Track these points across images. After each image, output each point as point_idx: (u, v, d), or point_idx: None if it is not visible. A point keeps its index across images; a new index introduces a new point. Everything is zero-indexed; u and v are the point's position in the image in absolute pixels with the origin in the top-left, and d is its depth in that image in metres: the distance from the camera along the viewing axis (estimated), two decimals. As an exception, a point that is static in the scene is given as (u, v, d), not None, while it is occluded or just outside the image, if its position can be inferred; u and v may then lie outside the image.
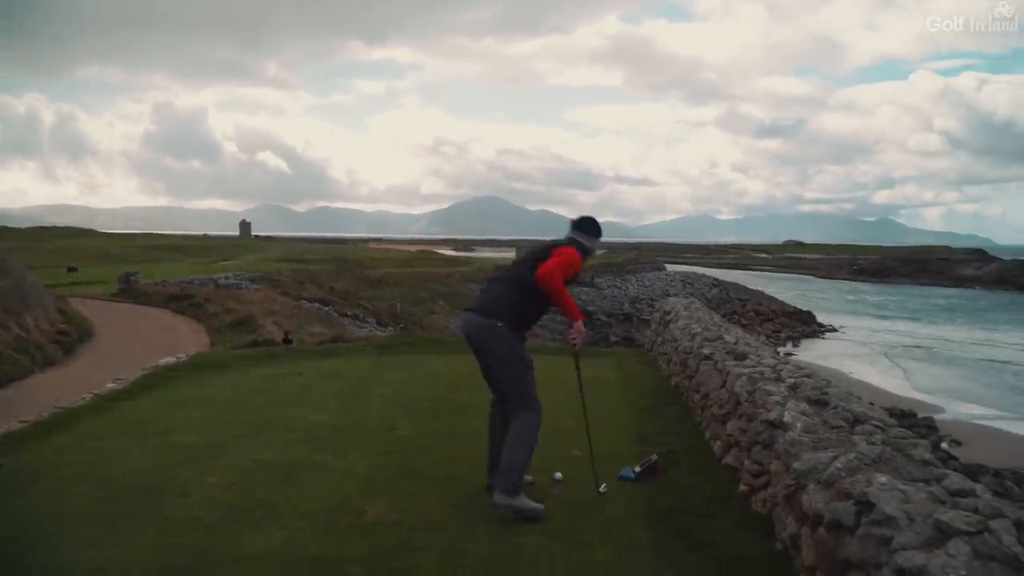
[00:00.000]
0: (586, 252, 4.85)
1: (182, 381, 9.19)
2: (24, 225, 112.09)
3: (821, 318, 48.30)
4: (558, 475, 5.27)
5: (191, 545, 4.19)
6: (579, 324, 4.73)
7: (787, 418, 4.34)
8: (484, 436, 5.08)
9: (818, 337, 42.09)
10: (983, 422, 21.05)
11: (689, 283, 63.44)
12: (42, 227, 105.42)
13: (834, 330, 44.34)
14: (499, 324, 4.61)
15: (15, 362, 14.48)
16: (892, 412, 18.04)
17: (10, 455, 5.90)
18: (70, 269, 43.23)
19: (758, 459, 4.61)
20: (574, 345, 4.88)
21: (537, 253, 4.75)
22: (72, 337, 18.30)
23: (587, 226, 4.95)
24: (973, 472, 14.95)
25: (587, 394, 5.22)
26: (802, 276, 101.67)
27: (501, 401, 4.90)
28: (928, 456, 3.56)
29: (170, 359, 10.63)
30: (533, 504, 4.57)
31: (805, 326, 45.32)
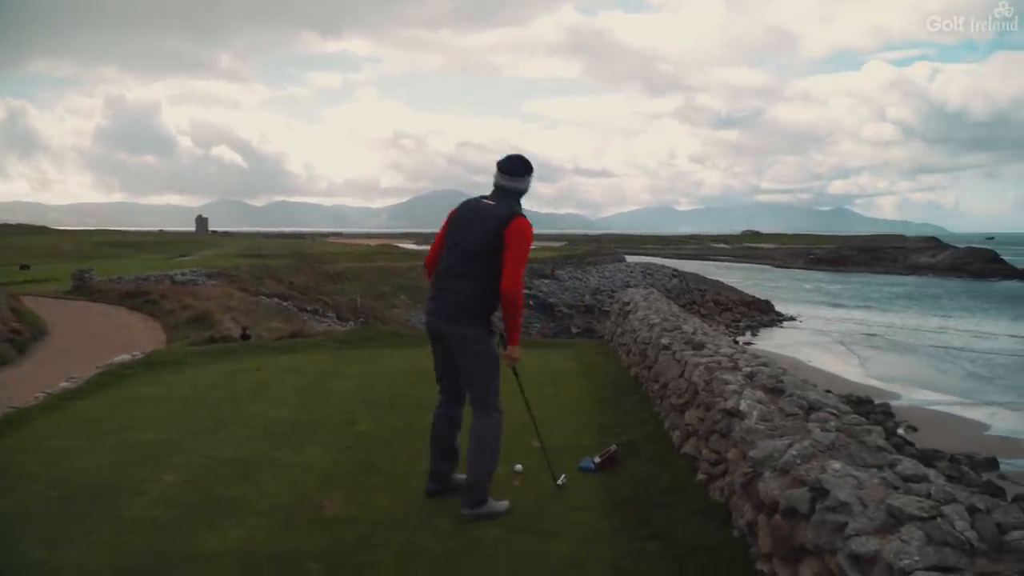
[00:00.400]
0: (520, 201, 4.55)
1: (137, 379, 9.02)
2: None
3: (779, 307, 49.02)
4: (518, 467, 5.27)
5: (147, 544, 4.12)
6: (515, 349, 4.53)
7: (743, 407, 4.39)
8: None
9: (776, 326, 42.72)
10: (939, 408, 21.53)
11: (649, 274, 63.92)
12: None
13: (792, 319, 45.01)
14: (478, 331, 4.41)
15: (-36, 362, 14.13)
16: (848, 399, 18.39)
17: (-42, 457, 5.76)
18: (22, 267, 42.31)
19: (716, 448, 4.66)
20: (511, 364, 4.63)
21: (488, 235, 4.33)
22: (25, 336, 17.95)
23: (518, 167, 4.51)
24: (929, 457, 15.29)
25: (536, 391, 5.20)
26: (760, 265, 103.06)
27: (452, 401, 4.75)
28: (882, 442, 3.63)
29: (125, 357, 10.44)
30: (501, 506, 4.54)
31: (763, 315, 45.97)
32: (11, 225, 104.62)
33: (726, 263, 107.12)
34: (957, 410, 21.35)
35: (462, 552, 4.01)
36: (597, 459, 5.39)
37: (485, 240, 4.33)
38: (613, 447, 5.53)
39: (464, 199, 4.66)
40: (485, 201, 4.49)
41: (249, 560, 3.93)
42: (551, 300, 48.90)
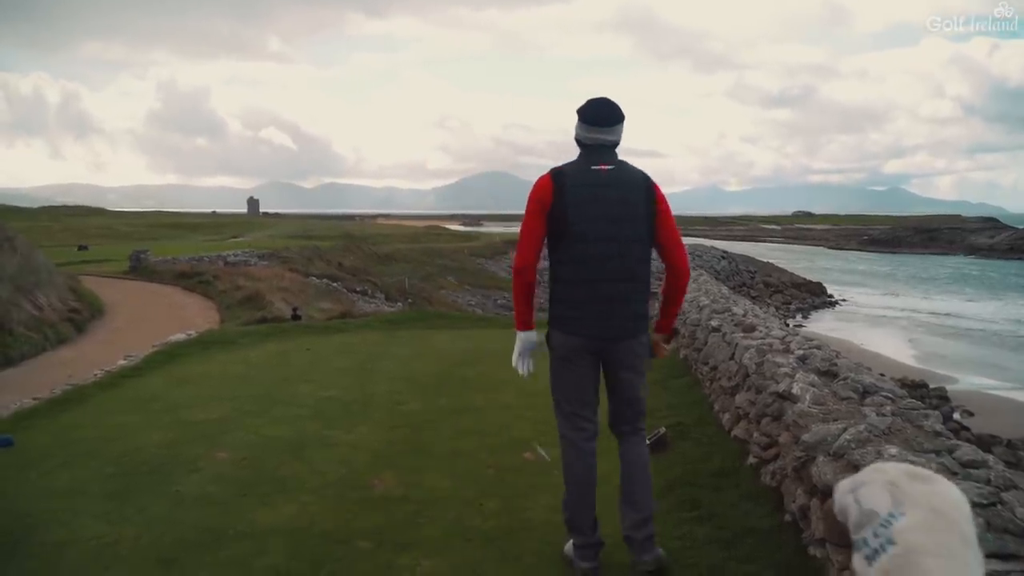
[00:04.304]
0: None
1: (192, 358, 9.22)
2: (35, 205, 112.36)
3: (831, 289, 48.14)
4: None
5: (202, 520, 4.21)
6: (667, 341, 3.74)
7: (796, 390, 4.31)
8: (488, 411, 4.88)
9: (828, 308, 41.99)
10: (996, 392, 20.98)
11: (698, 255, 63.20)
12: (52, 206, 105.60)
13: (845, 301, 44.19)
14: (646, 336, 3.56)
15: (28, 340, 14.58)
16: (903, 383, 18.01)
17: (22, 432, 5.95)
18: (81, 248, 43.44)
19: (767, 431, 4.59)
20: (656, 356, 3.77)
21: (643, 211, 3.38)
22: (83, 315, 18.42)
23: (619, 113, 3.45)
24: (986, 443, 14.93)
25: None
26: (812, 247, 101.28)
27: (614, 427, 3.68)
28: (939, 427, 3.53)
29: (180, 336, 10.67)
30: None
31: (815, 297, 45.19)
32: (69, 206, 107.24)
33: (777, 244, 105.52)
34: (1015, 395, 20.78)
35: (510, 531, 4.02)
36: (647, 441, 5.35)
37: (644, 217, 3.37)
38: (662, 429, 5.49)
39: (552, 170, 3.41)
40: (600, 168, 3.38)
41: (301, 537, 4.00)
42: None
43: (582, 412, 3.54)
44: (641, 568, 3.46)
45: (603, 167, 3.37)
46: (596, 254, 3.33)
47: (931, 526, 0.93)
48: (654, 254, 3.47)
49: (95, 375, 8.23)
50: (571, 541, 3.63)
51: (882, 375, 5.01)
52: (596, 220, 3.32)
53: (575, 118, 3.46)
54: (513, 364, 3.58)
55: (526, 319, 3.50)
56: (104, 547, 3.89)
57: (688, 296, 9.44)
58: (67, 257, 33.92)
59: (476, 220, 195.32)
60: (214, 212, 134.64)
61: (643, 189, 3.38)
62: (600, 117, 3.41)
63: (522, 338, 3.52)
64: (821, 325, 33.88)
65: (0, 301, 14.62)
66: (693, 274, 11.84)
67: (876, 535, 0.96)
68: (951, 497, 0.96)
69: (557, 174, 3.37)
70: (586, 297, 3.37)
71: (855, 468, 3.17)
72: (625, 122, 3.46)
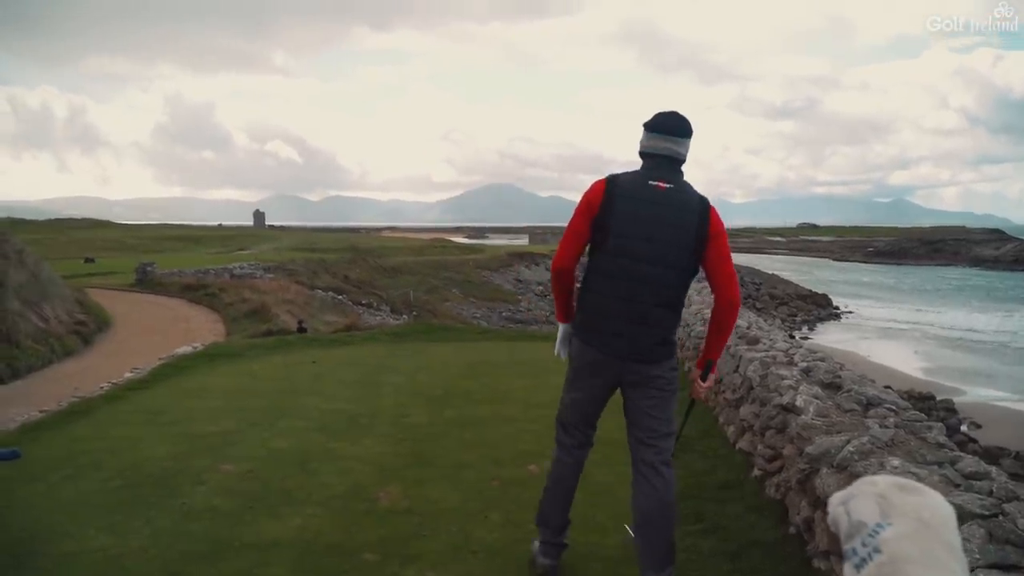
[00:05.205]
0: None
1: (198, 370, 9.26)
2: (42, 217, 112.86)
3: (837, 301, 48.10)
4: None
5: (208, 532, 4.23)
6: (711, 378, 3.53)
7: (800, 402, 4.33)
8: (492, 423, 4.88)
9: (834, 320, 41.96)
10: (1004, 404, 20.92)
11: (703, 268, 63.17)
12: (59, 219, 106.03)
13: (850, 313, 44.14)
14: (672, 362, 3.40)
15: (35, 352, 14.66)
16: (910, 395, 17.99)
17: (29, 444, 5.96)
18: (87, 260, 43.62)
19: (771, 444, 4.60)
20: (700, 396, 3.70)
21: (689, 238, 3.20)
22: (90, 327, 18.51)
23: (688, 125, 3.35)
24: (993, 455, 14.89)
25: None
26: (817, 259, 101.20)
27: (586, 446, 3.61)
28: (943, 439, 3.54)
29: (186, 348, 10.71)
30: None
31: (821, 309, 45.19)
32: (76, 219, 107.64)
33: (782, 256, 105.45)
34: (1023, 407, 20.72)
35: (514, 544, 4.03)
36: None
37: (687, 244, 3.20)
38: (666, 442, 5.49)
39: (608, 177, 3.31)
40: (658, 185, 3.22)
41: (307, 549, 4.01)
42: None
43: (579, 426, 3.54)
44: None
45: (661, 184, 3.21)
46: (633, 273, 3.21)
47: (916, 536, 0.95)
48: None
49: (102, 388, 8.26)
50: (537, 539, 3.70)
51: (887, 387, 5.01)
52: (639, 238, 3.19)
53: (640, 131, 3.36)
54: (555, 352, 3.61)
55: (566, 312, 3.49)
56: (111, 559, 3.91)
57: (691, 309, 9.45)
58: (74, 270, 34.07)
59: (481, 232, 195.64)
60: (220, 225, 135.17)
61: (696, 213, 3.21)
62: (668, 126, 3.29)
63: (562, 329, 3.55)
64: (827, 337, 33.84)
65: (8, 314, 14.70)
66: (696, 286, 11.75)
67: (864, 544, 0.99)
68: (937, 508, 0.99)
69: (611, 181, 3.26)
70: (613, 312, 3.26)
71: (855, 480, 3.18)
72: (692, 138, 3.32)
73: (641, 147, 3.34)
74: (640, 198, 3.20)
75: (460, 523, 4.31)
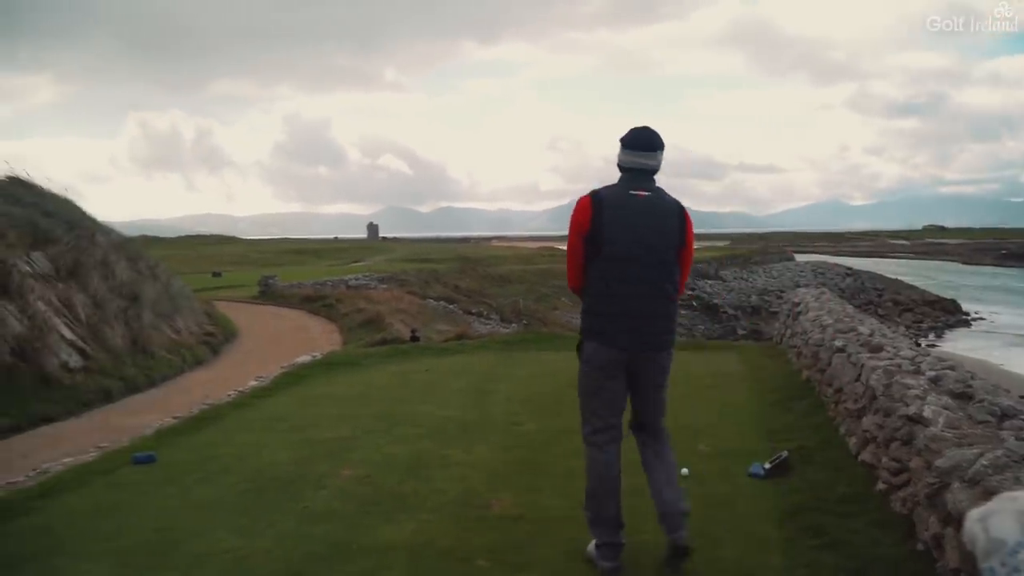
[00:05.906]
0: None
1: (317, 379, 9.60)
2: (173, 235, 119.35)
3: (966, 307, 45.50)
4: (684, 471, 5.18)
5: (328, 535, 4.37)
6: None
7: (927, 413, 4.13)
8: None
9: (964, 327, 39.66)
10: None
11: (820, 273, 61.18)
12: (189, 236, 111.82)
13: (981, 319, 41.66)
14: (672, 349, 3.82)
15: (168, 362, 15.49)
16: (1049, 406, 16.80)
17: (165, 449, 6.35)
18: (215, 274, 45.79)
19: (897, 456, 4.40)
20: None
21: (675, 237, 3.67)
22: (218, 338, 19.42)
23: (658, 139, 3.72)
24: None
25: (700, 394, 4.79)
26: (944, 262, 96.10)
27: (639, 428, 3.93)
28: (1088, 453, 3.31)
29: (306, 358, 11.12)
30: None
31: (949, 315, 42.80)
32: (204, 236, 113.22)
33: (906, 260, 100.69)
34: None
35: (627, 554, 3.99)
36: (767, 465, 5.22)
37: (674, 243, 3.66)
38: (784, 453, 5.34)
39: (591, 192, 3.70)
40: (638, 194, 3.64)
41: (421, 553, 4.09)
42: (715, 301, 47.78)
43: (611, 420, 3.77)
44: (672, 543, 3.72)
45: (641, 193, 3.65)
46: (631, 273, 3.61)
47: None
48: None
49: (229, 395, 8.68)
50: (593, 542, 3.84)
51: (1023, 398, 4.72)
52: (630, 242, 3.59)
53: (619, 147, 3.73)
54: None
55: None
56: (239, 560, 4.09)
57: (809, 316, 9.16)
58: (203, 284, 35.85)
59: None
60: (336, 237, 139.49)
61: (677, 216, 3.69)
62: (641, 143, 3.68)
63: None
64: (956, 345, 32.05)
65: (143, 326, 15.60)
66: (815, 292, 12.03)
67: (1003, 564, 0.94)
68: None
69: (595, 196, 3.66)
70: (620, 312, 3.63)
71: (992, 496, 3.01)
72: (664, 151, 3.72)
73: (619, 161, 3.74)
74: (626, 207, 3.63)
75: (571, 531, 4.29)
